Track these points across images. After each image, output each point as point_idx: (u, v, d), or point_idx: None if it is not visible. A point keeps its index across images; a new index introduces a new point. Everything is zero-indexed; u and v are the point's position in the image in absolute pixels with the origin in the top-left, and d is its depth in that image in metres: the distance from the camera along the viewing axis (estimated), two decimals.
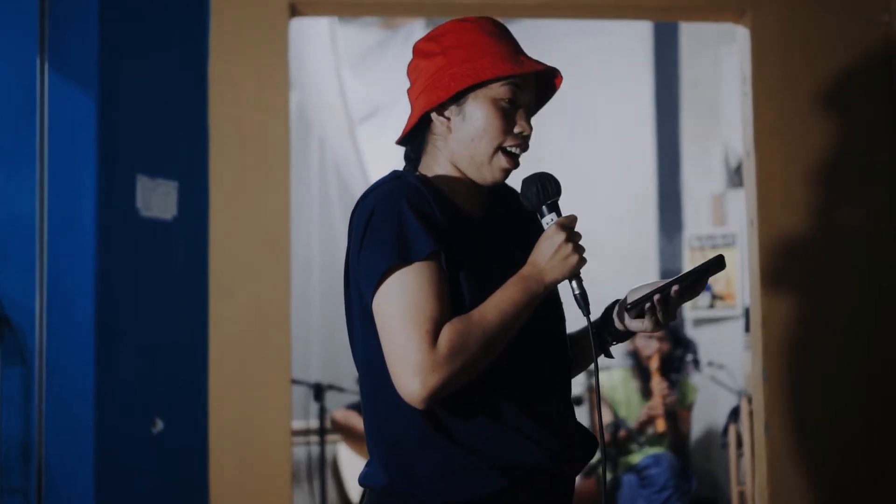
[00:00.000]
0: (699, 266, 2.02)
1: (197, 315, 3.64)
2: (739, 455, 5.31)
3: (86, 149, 3.36)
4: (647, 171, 6.84)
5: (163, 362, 3.57)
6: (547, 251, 1.97)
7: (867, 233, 3.74)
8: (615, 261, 6.13)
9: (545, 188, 2.02)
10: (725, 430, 5.55)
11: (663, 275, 6.67)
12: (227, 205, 3.70)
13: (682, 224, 6.65)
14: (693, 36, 6.56)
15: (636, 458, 5.59)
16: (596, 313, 2.06)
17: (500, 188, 2.13)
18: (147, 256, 3.55)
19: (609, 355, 2.13)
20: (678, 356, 5.79)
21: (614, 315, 2.11)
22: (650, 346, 5.68)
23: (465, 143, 2.03)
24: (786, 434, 3.65)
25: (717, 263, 2.02)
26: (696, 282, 2.03)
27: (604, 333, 2.12)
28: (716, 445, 6.29)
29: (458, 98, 2.02)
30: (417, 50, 2.10)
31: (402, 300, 1.89)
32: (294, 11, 3.79)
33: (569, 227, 1.98)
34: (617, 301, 2.13)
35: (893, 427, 3.70)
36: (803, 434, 3.65)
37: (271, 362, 3.67)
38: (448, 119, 2.04)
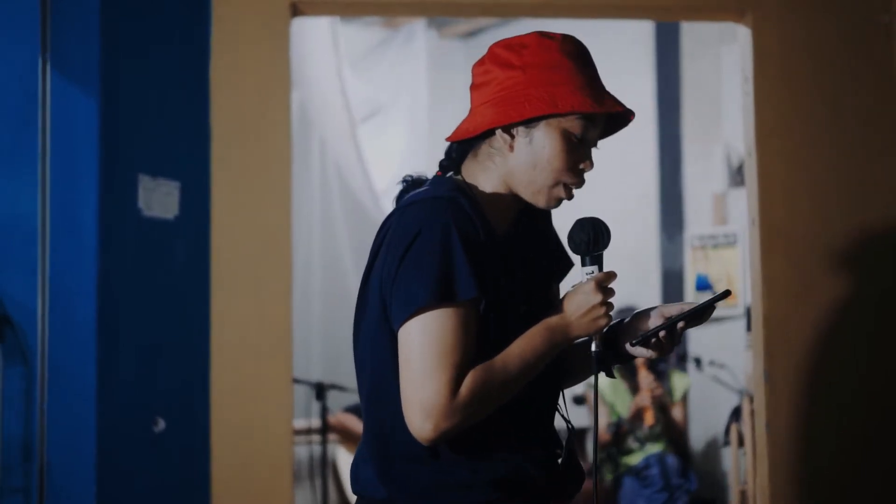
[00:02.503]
0: (704, 302, 2.00)
1: (198, 314, 3.65)
2: (741, 454, 5.30)
3: (87, 148, 3.36)
4: (649, 170, 6.84)
5: (164, 362, 3.57)
6: (580, 308, 1.95)
7: (868, 233, 3.74)
8: (616, 260, 6.10)
9: (596, 240, 1.99)
10: (727, 430, 5.55)
11: (664, 274, 6.66)
12: (229, 204, 3.70)
13: (683, 223, 6.65)
14: (694, 35, 6.55)
15: (636, 458, 5.59)
16: None
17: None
18: (148, 256, 3.56)
19: (611, 375, 2.09)
20: None
21: (620, 339, 2.07)
22: None
23: (526, 167, 1.98)
24: (787, 433, 3.65)
25: (724, 296, 2.00)
26: (702, 312, 2.00)
27: (608, 355, 2.07)
28: (717, 445, 6.29)
29: (528, 121, 1.96)
30: (495, 55, 2.01)
31: (433, 339, 1.85)
32: (295, 11, 3.79)
33: (606, 287, 1.96)
34: (621, 321, 2.10)
35: (894, 426, 3.70)
36: (804, 433, 3.66)
37: (273, 361, 3.67)
38: (512, 138, 1.98)
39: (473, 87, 2.04)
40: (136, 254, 3.51)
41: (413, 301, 1.86)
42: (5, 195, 3.33)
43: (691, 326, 2.03)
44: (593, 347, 1.99)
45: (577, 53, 2.02)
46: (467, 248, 1.88)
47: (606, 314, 1.95)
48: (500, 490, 1.94)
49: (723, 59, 6.31)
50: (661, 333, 2.00)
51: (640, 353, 2.04)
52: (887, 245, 3.74)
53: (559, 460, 2.02)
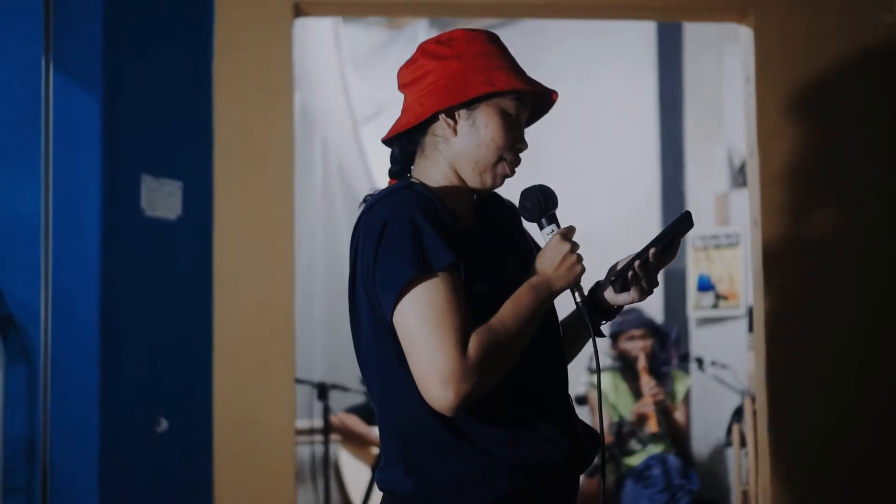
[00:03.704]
0: (670, 226, 2.11)
1: (201, 314, 3.65)
2: (743, 455, 5.31)
3: (90, 148, 3.37)
4: (651, 170, 6.84)
5: (167, 362, 3.58)
6: (553, 260, 2.04)
7: (869, 232, 3.74)
8: (617, 260, 6.10)
9: (546, 201, 2.10)
10: (729, 430, 5.55)
11: (666, 274, 6.66)
12: (231, 204, 3.71)
13: None
14: (696, 36, 6.55)
15: (638, 458, 5.59)
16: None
17: (481, 194, 2.18)
18: (151, 256, 3.56)
19: (601, 334, 2.16)
20: (660, 349, 5.80)
21: (600, 294, 2.17)
22: (635, 347, 5.69)
23: (471, 147, 2.08)
24: (789, 433, 3.65)
25: (686, 220, 2.12)
26: (670, 244, 2.12)
27: (593, 315, 2.15)
28: (719, 445, 6.29)
29: (469, 104, 2.07)
30: (426, 50, 2.12)
31: (428, 311, 1.90)
32: (298, 11, 3.79)
33: (570, 237, 2.06)
34: (598, 282, 2.19)
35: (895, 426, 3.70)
36: (806, 433, 3.66)
37: (275, 361, 3.68)
38: (455, 122, 2.08)
39: (406, 86, 2.15)
40: (138, 254, 3.51)
41: (396, 283, 1.92)
42: (8, 195, 3.34)
43: (665, 262, 2.14)
44: (577, 299, 2.08)
45: (501, 44, 2.14)
46: (433, 224, 1.96)
47: (579, 261, 2.05)
48: (523, 476, 1.97)
49: (725, 60, 6.31)
50: (636, 264, 2.09)
51: (623, 299, 2.14)
52: (888, 246, 3.74)
53: (574, 438, 2.07)
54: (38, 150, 3.33)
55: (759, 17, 3.79)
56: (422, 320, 1.90)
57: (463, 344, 1.90)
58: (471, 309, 1.95)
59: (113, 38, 3.43)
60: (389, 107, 6.86)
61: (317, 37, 6.01)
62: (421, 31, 7.07)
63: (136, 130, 3.53)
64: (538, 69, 2.21)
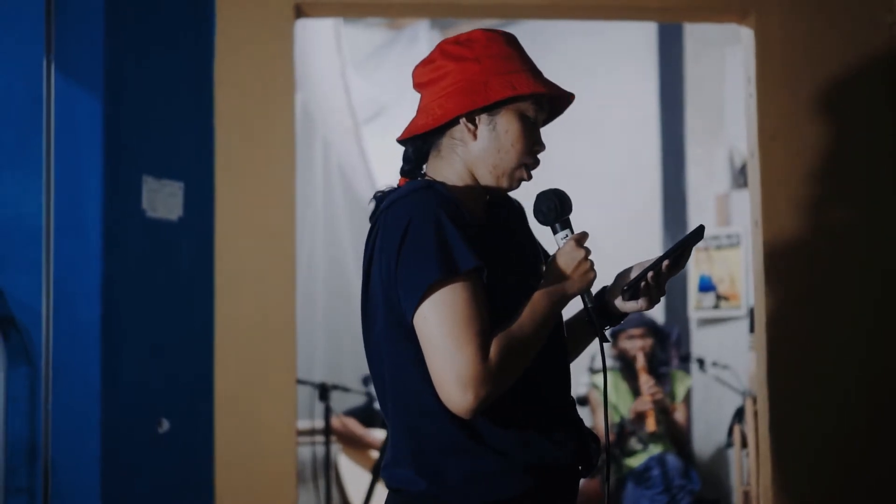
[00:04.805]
0: (682, 239, 2.13)
1: (202, 315, 3.65)
2: (744, 455, 5.31)
3: (92, 149, 3.37)
4: (652, 171, 6.84)
5: (168, 362, 3.58)
6: (568, 266, 2.05)
7: (870, 232, 3.74)
8: (619, 261, 6.09)
9: (562, 205, 2.10)
10: (730, 431, 5.55)
11: None
12: (233, 205, 3.71)
13: (686, 224, 6.64)
14: (697, 36, 6.56)
15: (639, 459, 5.59)
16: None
17: (493, 194, 2.18)
18: (153, 257, 3.56)
19: (606, 339, 2.19)
20: (660, 350, 5.80)
21: (608, 300, 2.19)
22: (634, 346, 5.69)
23: (490, 152, 2.08)
24: (790, 434, 3.65)
25: (699, 234, 2.13)
26: (680, 255, 2.14)
27: (600, 320, 2.18)
28: (720, 446, 6.29)
29: (490, 107, 2.06)
30: (445, 51, 2.10)
31: (450, 315, 1.91)
32: (299, 12, 3.79)
33: (583, 244, 2.08)
34: (605, 287, 2.21)
35: None
36: (807, 434, 3.66)
37: (276, 362, 3.68)
38: (476, 126, 2.07)
39: (422, 86, 2.13)
40: (140, 254, 3.51)
41: (420, 285, 1.92)
42: (10, 196, 3.34)
43: (674, 273, 2.14)
44: (588, 304, 2.11)
45: (519, 45, 2.13)
46: (457, 225, 1.96)
47: (592, 267, 2.06)
48: (532, 477, 1.99)
49: (726, 60, 6.32)
50: (650, 275, 2.10)
51: (631, 307, 2.15)
52: (889, 245, 3.74)
53: (580, 440, 2.09)
54: (40, 151, 3.33)
55: (760, 18, 3.79)
56: (444, 323, 1.91)
57: (484, 349, 1.91)
58: (492, 309, 1.96)
59: (114, 39, 3.43)
60: (390, 107, 6.86)
61: (318, 38, 6.01)
62: (422, 31, 7.07)
63: (137, 131, 3.54)
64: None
